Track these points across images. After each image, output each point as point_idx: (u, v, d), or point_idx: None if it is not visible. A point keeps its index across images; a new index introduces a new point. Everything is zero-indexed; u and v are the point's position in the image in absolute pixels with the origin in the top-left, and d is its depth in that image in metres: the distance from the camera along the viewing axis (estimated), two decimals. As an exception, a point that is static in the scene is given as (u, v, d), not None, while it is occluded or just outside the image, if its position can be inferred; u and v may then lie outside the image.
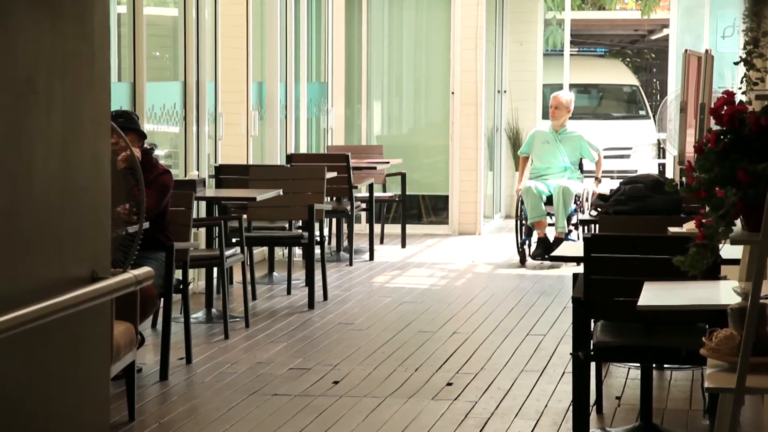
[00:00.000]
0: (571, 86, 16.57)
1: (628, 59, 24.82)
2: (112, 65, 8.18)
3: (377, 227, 11.90)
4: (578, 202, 10.73)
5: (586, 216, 9.65)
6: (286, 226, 9.61)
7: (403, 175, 11.99)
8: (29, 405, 2.83)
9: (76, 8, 2.96)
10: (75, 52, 2.95)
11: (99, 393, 3.16)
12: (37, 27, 2.78)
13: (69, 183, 2.93)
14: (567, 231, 10.65)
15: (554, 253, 5.94)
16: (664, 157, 16.48)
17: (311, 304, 8.70)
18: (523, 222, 10.78)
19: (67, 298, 2.76)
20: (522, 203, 10.75)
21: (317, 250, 9.02)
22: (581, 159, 11.11)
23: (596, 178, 11.06)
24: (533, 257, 10.69)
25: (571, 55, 15.61)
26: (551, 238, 10.62)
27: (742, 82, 8.92)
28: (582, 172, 11.14)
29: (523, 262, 10.72)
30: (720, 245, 3.55)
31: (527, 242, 10.81)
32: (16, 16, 2.69)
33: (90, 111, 3.03)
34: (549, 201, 10.70)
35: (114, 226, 4.97)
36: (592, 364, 5.52)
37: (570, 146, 11.06)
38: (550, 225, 10.71)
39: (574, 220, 10.76)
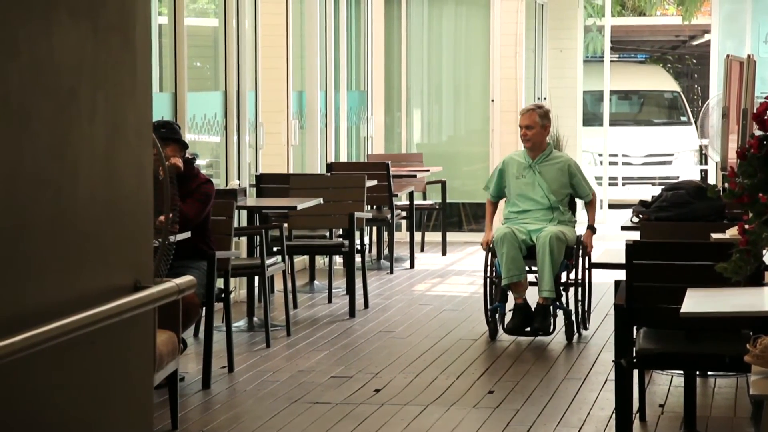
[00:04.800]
0: (612, 92, 16.53)
1: (669, 65, 24.70)
2: (154, 75, 8.23)
3: (417, 235, 11.90)
4: (570, 257, 7.80)
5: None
6: (327, 234, 9.63)
7: (444, 183, 11.99)
8: (73, 413, 2.85)
9: (118, 19, 2.98)
10: (117, 63, 2.97)
11: (142, 401, 3.18)
12: (79, 38, 2.80)
13: (112, 192, 2.95)
14: (555, 296, 7.71)
15: (595, 260, 5.84)
16: (706, 163, 16.39)
17: (352, 313, 8.71)
18: (495, 281, 7.84)
19: (111, 306, 2.78)
20: (493, 255, 7.81)
21: (358, 259, 9.03)
22: (571, 195, 8.04)
23: (590, 227, 7.89)
24: (508, 331, 7.71)
25: (611, 61, 15.56)
26: (533, 305, 7.74)
27: (784, 86, 8.85)
28: (574, 213, 8.09)
29: (493, 335, 7.83)
30: (764, 251, 3.52)
31: (499, 310, 7.84)
32: (59, 27, 2.72)
33: (132, 121, 3.05)
34: (530, 254, 7.74)
35: (155, 235, 4.99)
36: (635, 372, 5.48)
37: (555, 177, 7.93)
38: (531, 284, 7.81)
39: (564, 279, 7.92)
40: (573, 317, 7.84)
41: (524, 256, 7.71)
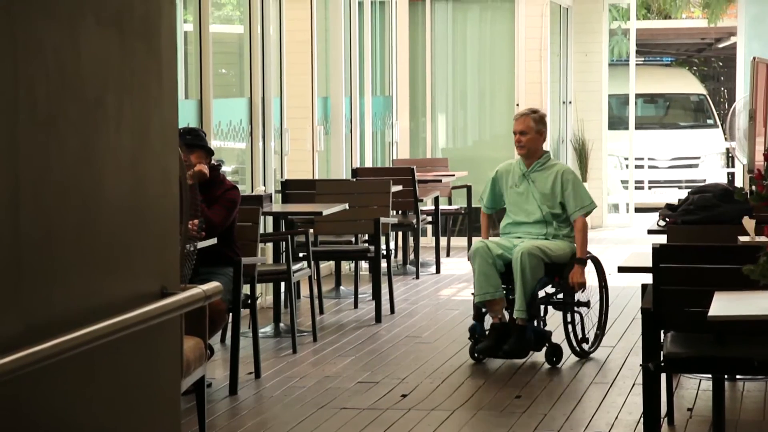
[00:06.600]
0: (638, 96, 16.48)
1: (695, 68, 24.61)
2: (180, 83, 8.26)
3: (443, 240, 11.89)
4: (559, 275, 7.19)
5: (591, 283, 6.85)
6: (353, 240, 9.64)
7: (469, 188, 11.97)
8: (101, 420, 2.86)
9: (143, 27, 2.99)
10: (143, 70, 2.98)
11: (170, 407, 3.19)
12: (105, 46, 2.82)
13: (138, 199, 2.97)
14: (528, 317, 7.08)
15: (622, 264, 5.77)
16: (733, 166, 16.31)
17: (378, 318, 8.71)
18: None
19: (138, 313, 2.79)
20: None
21: (384, 264, 9.04)
22: (563, 207, 7.31)
23: (577, 261, 7.17)
24: (478, 352, 7.20)
25: (636, 64, 15.51)
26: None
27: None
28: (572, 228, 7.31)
29: (473, 354, 7.30)
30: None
31: (477, 329, 7.28)
32: (86, 35, 2.73)
33: (158, 128, 3.06)
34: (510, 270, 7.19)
35: (182, 242, 5.01)
36: (663, 376, 5.46)
37: (547, 187, 7.31)
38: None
39: (548, 299, 7.29)
40: (571, 339, 7.23)
41: (502, 272, 7.17)
